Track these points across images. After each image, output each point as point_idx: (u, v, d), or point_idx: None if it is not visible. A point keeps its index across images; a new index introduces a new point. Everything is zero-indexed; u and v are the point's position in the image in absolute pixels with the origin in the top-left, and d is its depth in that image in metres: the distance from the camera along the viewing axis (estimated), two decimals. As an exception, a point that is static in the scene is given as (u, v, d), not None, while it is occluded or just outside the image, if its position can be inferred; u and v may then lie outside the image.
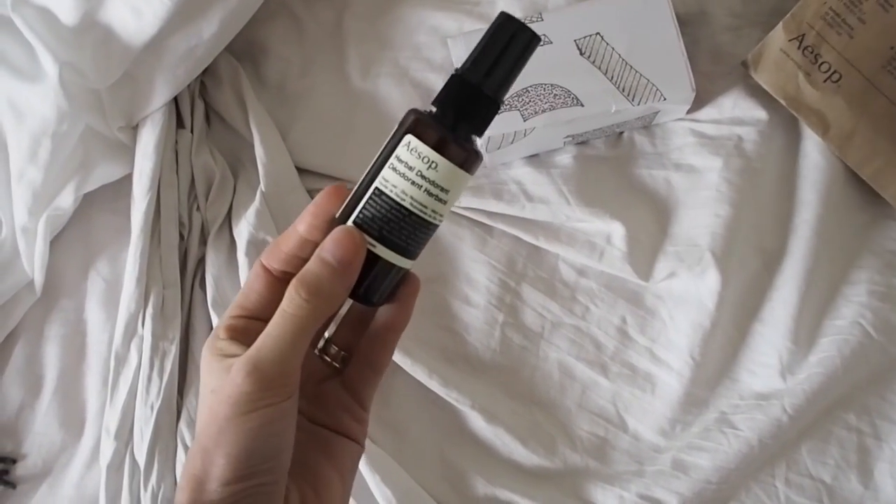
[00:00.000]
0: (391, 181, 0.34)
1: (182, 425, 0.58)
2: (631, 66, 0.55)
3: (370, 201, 0.34)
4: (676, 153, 0.60)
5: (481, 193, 0.60)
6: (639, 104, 0.55)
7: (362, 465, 0.55)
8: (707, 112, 0.60)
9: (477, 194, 0.60)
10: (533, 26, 0.35)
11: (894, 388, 0.57)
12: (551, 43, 0.55)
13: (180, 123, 0.62)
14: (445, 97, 0.35)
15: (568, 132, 0.58)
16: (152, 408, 0.57)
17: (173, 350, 0.57)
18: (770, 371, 0.57)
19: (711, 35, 0.61)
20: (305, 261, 0.33)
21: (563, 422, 0.59)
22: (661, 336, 0.59)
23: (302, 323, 0.32)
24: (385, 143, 0.35)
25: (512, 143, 0.57)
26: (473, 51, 0.35)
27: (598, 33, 0.56)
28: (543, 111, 0.55)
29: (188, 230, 0.60)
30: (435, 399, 0.59)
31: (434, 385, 0.58)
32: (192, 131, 0.61)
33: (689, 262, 0.57)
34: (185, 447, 0.57)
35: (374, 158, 0.35)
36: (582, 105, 0.55)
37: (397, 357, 0.58)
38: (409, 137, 0.34)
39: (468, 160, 0.35)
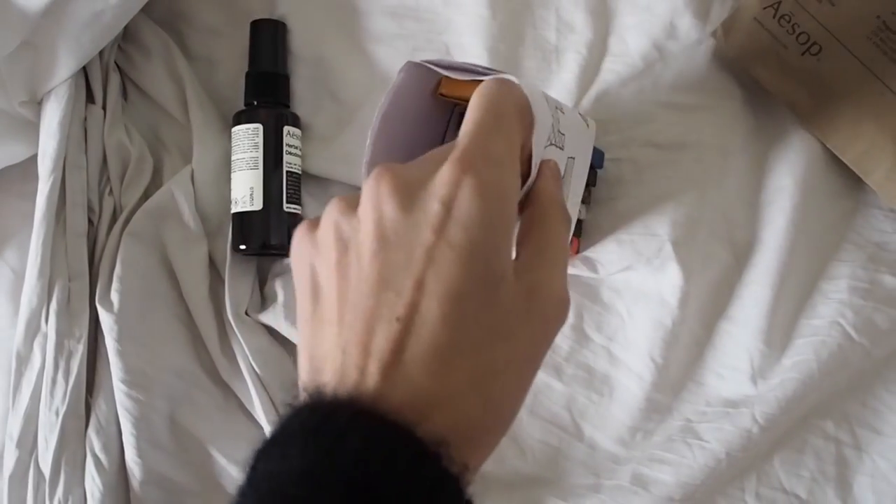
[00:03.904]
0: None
1: (91, 431, 0.53)
2: None
3: None
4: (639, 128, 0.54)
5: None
6: None
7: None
8: (674, 85, 0.54)
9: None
10: None
11: (877, 394, 0.52)
12: None
13: (91, 98, 0.56)
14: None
15: None
16: (57, 413, 0.52)
17: (80, 349, 0.52)
18: (740, 375, 0.52)
19: (680, 2, 0.55)
20: None
21: (513, 430, 0.54)
22: (619, 334, 0.53)
23: None
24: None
25: None
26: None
27: None
28: None
29: (98, 216, 0.55)
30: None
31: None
32: (103, 107, 0.56)
33: (648, 254, 0.52)
34: (94, 456, 0.52)
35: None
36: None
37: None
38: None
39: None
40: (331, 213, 0.29)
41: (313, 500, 0.23)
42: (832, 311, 0.51)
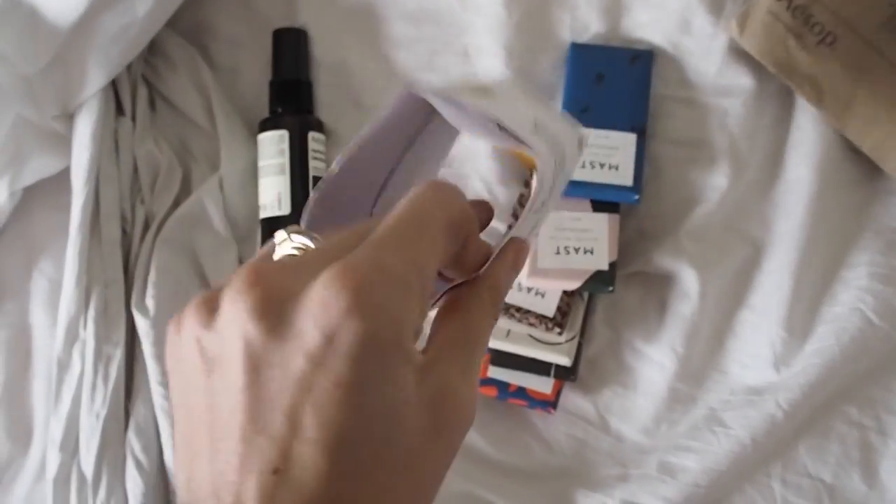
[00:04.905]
0: None
1: (130, 434, 0.54)
2: None
3: None
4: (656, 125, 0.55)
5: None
6: None
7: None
8: (689, 81, 0.55)
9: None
10: None
11: (900, 379, 0.52)
12: None
13: (121, 111, 0.57)
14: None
15: None
16: (98, 416, 0.53)
17: (118, 354, 0.54)
18: (762, 363, 0.53)
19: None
20: None
21: (539, 425, 0.55)
22: (641, 326, 0.54)
23: None
24: None
25: None
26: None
27: None
28: None
29: (131, 224, 0.56)
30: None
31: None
32: (133, 119, 0.57)
33: (666, 247, 0.53)
34: (134, 458, 0.54)
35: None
36: None
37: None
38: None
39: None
40: (190, 326, 0.24)
41: None
42: (853, 297, 0.52)
